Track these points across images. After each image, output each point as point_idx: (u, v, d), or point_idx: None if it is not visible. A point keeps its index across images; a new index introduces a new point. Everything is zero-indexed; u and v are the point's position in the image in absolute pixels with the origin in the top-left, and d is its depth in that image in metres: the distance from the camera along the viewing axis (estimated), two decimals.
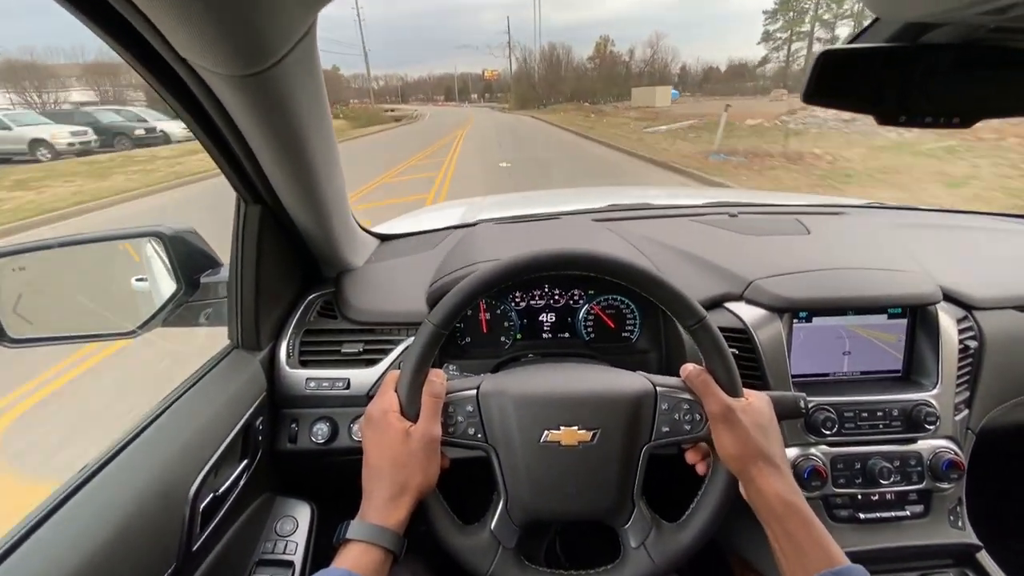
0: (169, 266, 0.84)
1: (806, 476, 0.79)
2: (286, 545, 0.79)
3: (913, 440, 0.84)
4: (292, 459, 0.89)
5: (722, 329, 0.66)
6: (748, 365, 0.84)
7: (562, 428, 0.61)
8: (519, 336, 0.99)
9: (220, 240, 0.89)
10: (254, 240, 0.79)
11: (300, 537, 0.81)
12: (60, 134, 13.54)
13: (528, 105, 59.42)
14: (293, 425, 0.88)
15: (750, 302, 0.89)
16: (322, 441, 0.87)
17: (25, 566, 0.47)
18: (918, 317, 0.89)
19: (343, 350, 0.91)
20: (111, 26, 0.46)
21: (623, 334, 0.99)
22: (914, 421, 0.83)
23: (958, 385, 0.87)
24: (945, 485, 0.82)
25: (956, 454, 0.82)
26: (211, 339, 0.91)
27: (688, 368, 0.63)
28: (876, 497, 0.83)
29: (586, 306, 0.98)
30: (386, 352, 0.91)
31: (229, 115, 0.60)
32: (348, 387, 0.88)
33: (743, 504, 0.60)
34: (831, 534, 0.55)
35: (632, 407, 0.62)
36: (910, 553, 0.82)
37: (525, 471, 0.61)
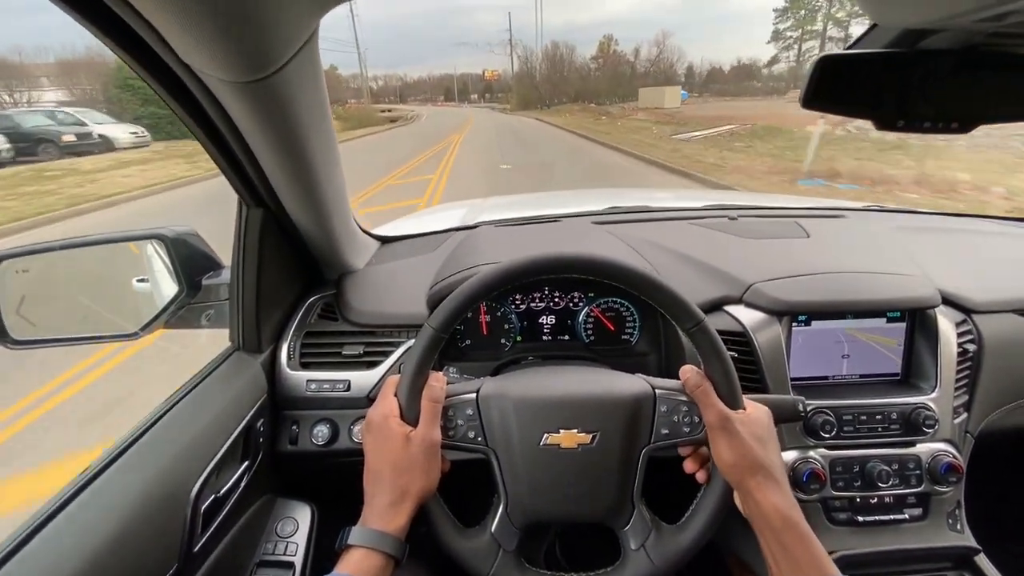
0: (171, 268, 0.85)
1: (805, 479, 0.80)
2: (287, 546, 0.80)
3: (912, 443, 0.84)
4: (293, 460, 0.89)
5: (721, 332, 0.67)
6: (747, 368, 0.84)
7: (561, 431, 0.61)
8: (519, 338, 0.99)
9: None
10: (255, 243, 0.80)
11: (300, 538, 0.81)
12: None
13: (530, 106, 58.32)
14: (294, 427, 0.89)
15: (749, 305, 0.89)
16: (322, 443, 0.87)
17: (29, 567, 0.47)
18: (917, 321, 0.89)
19: (344, 352, 0.92)
20: (117, 33, 0.47)
21: (623, 337, 0.99)
22: (913, 424, 0.83)
23: (957, 389, 0.87)
24: (943, 488, 0.82)
25: (955, 457, 0.82)
26: (212, 339, 0.91)
27: (687, 375, 0.62)
28: (875, 500, 0.83)
29: (586, 309, 0.98)
30: (387, 354, 0.91)
31: (232, 120, 0.61)
32: (349, 389, 0.89)
33: None
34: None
35: (631, 409, 0.62)
36: (908, 556, 0.82)
37: (525, 474, 0.61)
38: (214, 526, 0.68)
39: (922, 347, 0.89)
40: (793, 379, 0.86)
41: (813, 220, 1.20)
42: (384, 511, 0.56)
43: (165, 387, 0.76)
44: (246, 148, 0.67)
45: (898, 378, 0.91)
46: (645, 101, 39.47)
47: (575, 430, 0.61)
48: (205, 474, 0.65)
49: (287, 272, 0.93)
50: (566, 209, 1.38)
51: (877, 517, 0.82)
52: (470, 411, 0.63)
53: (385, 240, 1.22)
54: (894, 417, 0.84)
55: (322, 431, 0.88)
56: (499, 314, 0.98)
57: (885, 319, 0.89)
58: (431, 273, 1.01)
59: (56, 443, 2.41)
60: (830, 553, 0.78)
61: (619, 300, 0.98)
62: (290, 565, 0.77)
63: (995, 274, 1.03)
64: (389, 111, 52.99)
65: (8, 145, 11.81)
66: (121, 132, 14.55)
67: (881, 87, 0.58)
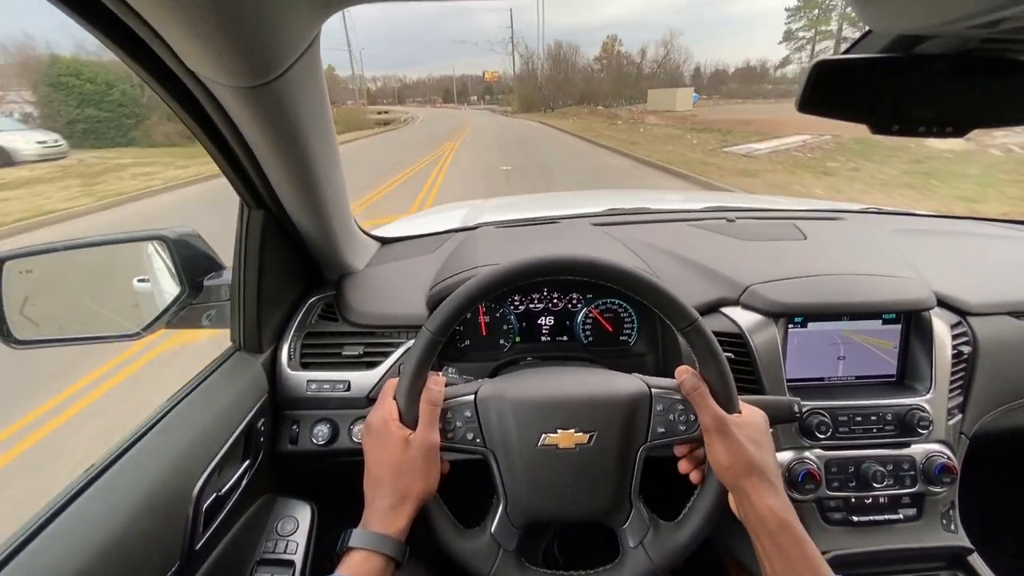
0: (172, 269, 0.85)
1: (800, 479, 0.80)
2: (287, 545, 0.80)
3: (906, 444, 0.85)
4: (293, 460, 0.90)
5: (718, 334, 0.67)
6: (744, 369, 0.85)
7: (559, 431, 0.62)
8: (518, 339, 1.00)
9: None
10: (257, 244, 0.80)
11: (301, 537, 0.81)
12: None
13: (533, 108, 56.71)
14: (294, 426, 0.89)
15: (746, 307, 0.90)
16: (322, 442, 0.88)
17: (33, 564, 0.48)
18: (912, 323, 0.90)
19: (344, 352, 0.92)
20: (123, 40, 0.48)
21: (621, 337, 1.00)
22: (907, 425, 0.84)
23: (951, 390, 0.88)
24: (938, 489, 0.83)
25: (949, 458, 0.83)
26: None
27: (683, 376, 0.63)
28: (869, 500, 0.84)
29: (584, 310, 0.99)
30: (386, 355, 0.92)
31: (235, 124, 0.62)
32: (348, 389, 0.89)
33: None
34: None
35: (627, 409, 0.63)
36: (903, 556, 0.82)
37: (524, 474, 0.62)
38: (215, 524, 0.68)
39: (917, 349, 0.90)
40: (789, 380, 0.87)
41: (810, 222, 1.21)
42: (384, 514, 0.56)
43: None
44: (248, 151, 0.67)
45: (893, 380, 0.92)
46: (654, 103, 36.55)
47: (572, 430, 0.62)
48: (207, 473, 0.66)
49: (288, 273, 0.93)
50: (565, 210, 1.39)
51: (872, 517, 0.83)
52: (468, 413, 0.64)
53: (385, 241, 1.23)
54: (889, 418, 0.84)
55: (322, 431, 0.88)
56: (498, 315, 0.99)
57: (881, 321, 0.90)
58: (431, 274, 1.02)
59: None
60: (825, 553, 0.79)
61: (617, 301, 0.99)
62: (290, 563, 0.78)
63: (990, 276, 1.03)
64: (385, 112, 51.77)
65: None
66: (25, 142, 11.81)
67: (876, 91, 0.59)
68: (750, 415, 0.61)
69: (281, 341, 0.92)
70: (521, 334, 1.00)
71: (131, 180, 10.43)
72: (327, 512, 0.87)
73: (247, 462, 0.78)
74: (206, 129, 0.63)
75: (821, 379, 0.91)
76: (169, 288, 0.86)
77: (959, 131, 0.60)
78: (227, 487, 0.72)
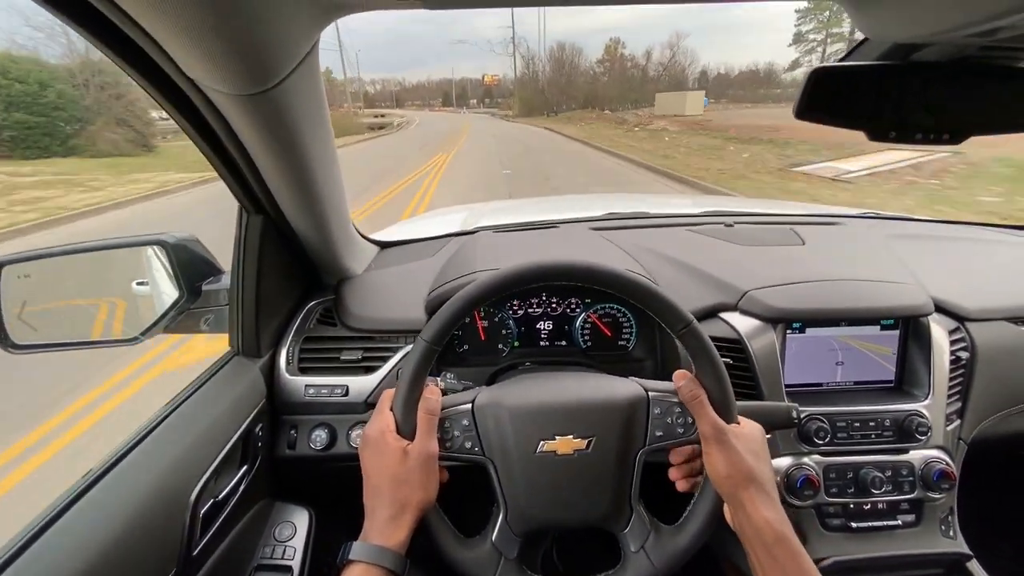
0: (171, 273, 0.85)
1: (799, 485, 0.80)
2: (284, 550, 0.80)
3: (905, 450, 0.85)
4: (291, 465, 0.90)
5: (716, 339, 0.67)
6: (742, 375, 0.85)
7: (557, 438, 0.62)
8: (517, 344, 1.00)
9: None
10: (255, 249, 0.81)
11: (298, 542, 0.81)
12: None
13: (535, 112, 55.26)
14: (292, 431, 0.89)
15: (744, 312, 0.90)
16: (320, 447, 0.87)
17: (30, 571, 0.48)
18: (910, 328, 0.90)
19: (342, 357, 0.92)
20: (122, 48, 0.48)
21: (619, 342, 1.00)
22: (906, 431, 0.84)
23: (950, 396, 0.88)
24: (936, 495, 0.83)
25: (947, 464, 0.83)
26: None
27: (681, 383, 0.63)
28: (868, 506, 0.84)
29: (583, 314, 0.99)
30: (385, 359, 0.92)
31: (234, 131, 0.62)
32: (347, 394, 0.89)
33: None
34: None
35: (625, 413, 0.63)
36: (901, 562, 0.82)
37: (523, 482, 0.62)
38: (213, 530, 0.68)
39: (915, 355, 0.90)
40: (787, 386, 0.87)
41: (809, 228, 1.21)
42: (384, 526, 0.56)
43: None
44: (247, 157, 0.68)
45: (892, 385, 0.92)
46: (662, 107, 35.47)
47: (570, 436, 0.62)
48: (204, 478, 0.66)
49: (286, 278, 0.93)
50: (564, 215, 1.39)
51: (870, 523, 0.83)
52: (466, 421, 0.64)
53: (384, 245, 1.23)
54: (887, 424, 0.84)
55: (320, 436, 0.88)
56: (497, 320, 0.99)
57: (879, 327, 0.90)
58: (429, 278, 1.02)
59: None
60: (823, 559, 0.79)
61: (615, 306, 0.99)
62: (288, 569, 0.78)
63: (988, 282, 1.03)
64: (381, 116, 50.32)
65: None
66: None
67: (874, 99, 0.59)
68: (748, 427, 0.62)
69: (279, 346, 0.92)
70: (520, 339, 1.00)
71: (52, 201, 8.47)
72: (325, 517, 0.87)
73: (245, 467, 0.78)
74: (205, 136, 0.63)
75: (819, 385, 0.91)
76: (168, 293, 0.86)
77: (956, 138, 0.61)
78: (225, 492, 0.72)
